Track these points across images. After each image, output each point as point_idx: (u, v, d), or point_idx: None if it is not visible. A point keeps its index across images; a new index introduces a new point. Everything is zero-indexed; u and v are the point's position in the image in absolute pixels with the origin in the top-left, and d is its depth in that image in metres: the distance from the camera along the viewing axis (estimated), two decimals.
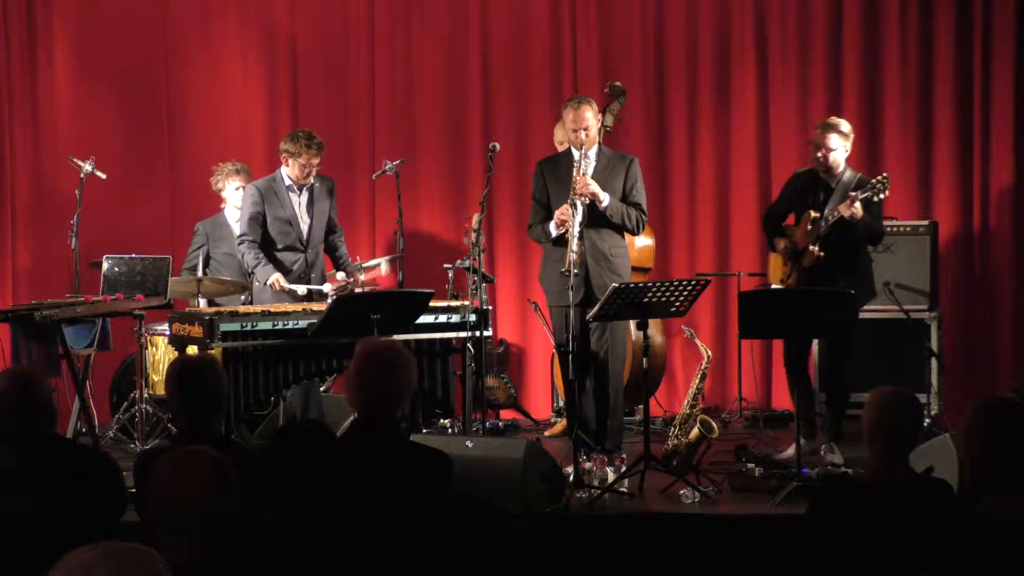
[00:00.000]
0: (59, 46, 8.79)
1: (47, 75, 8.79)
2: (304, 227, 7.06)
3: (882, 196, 6.49)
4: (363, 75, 8.83)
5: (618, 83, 7.73)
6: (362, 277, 7.27)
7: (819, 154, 6.61)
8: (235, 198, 7.77)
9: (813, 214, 6.58)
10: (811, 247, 6.55)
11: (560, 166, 6.69)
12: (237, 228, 7.76)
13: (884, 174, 6.61)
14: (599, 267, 6.53)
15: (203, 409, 4.17)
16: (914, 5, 8.43)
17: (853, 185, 6.57)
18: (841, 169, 6.65)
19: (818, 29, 8.52)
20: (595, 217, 6.53)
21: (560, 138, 7.54)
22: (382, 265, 7.74)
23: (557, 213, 6.51)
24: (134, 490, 4.22)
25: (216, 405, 4.22)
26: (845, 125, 6.69)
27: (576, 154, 6.55)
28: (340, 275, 7.24)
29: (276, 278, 6.87)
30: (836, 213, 6.45)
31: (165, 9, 8.82)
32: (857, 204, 6.41)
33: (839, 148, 6.61)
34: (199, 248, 7.85)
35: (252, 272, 7.01)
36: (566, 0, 8.69)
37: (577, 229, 6.45)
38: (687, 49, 8.64)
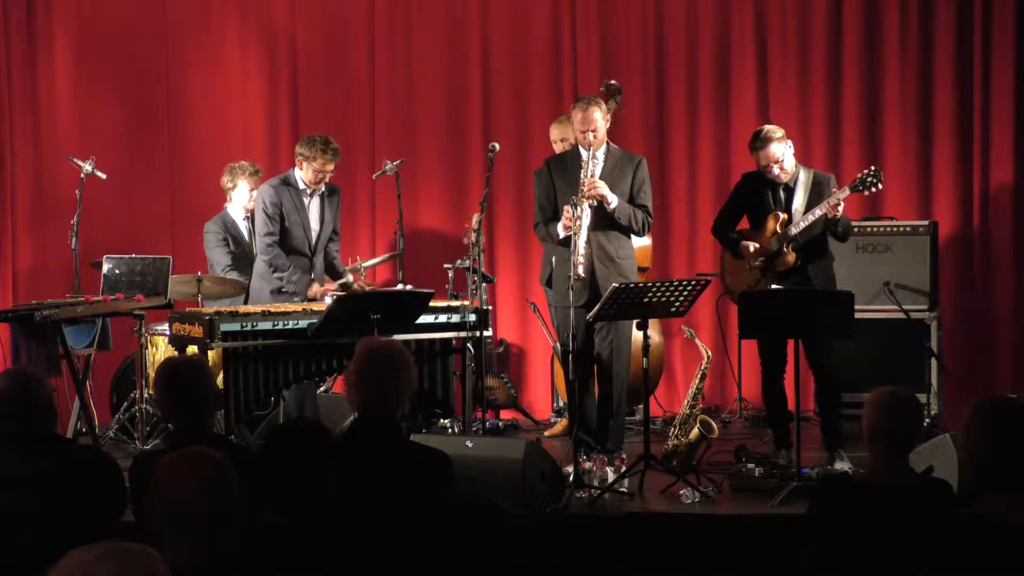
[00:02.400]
0: (59, 46, 8.79)
1: (47, 75, 8.79)
2: (313, 233, 7.04)
3: (874, 190, 6.46)
4: (363, 75, 8.83)
5: (613, 81, 7.72)
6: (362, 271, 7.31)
7: (775, 170, 6.50)
8: (243, 199, 7.77)
9: (782, 216, 6.52)
10: (785, 250, 6.48)
11: (568, 165, 6.66)
12: (243, 226, 7.78)
13: (872, 167, 6.56)
14: (606, 270, 6.50)
15: (194, 410, 4.17)
16: (914, 5, 8.42)
17: (812, 181, 6.52)
18: (795, 169, 6.59)
19: (818, 29, 8.52)
20: (602, 219, 6.51)
21: (555, 136, 7.54)
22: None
23: (563, 214, 6.48)
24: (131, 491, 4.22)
25: (207, 405, 4.23)
26: (777, 130, 6.58)
27: (584, 154, 6.54)
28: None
29: (319, 289, 6.86)
30: (816, 212, 6.40)
31: (165, 9, 8.82)
32: (841, 207, 6.37)
33: (784, 154, 6.51)
34: (218, 247, 7.80)
35: (285, 280, 6.91)
36: (566, 0, 8.69)
37: (584, 233, 6.42)
38: (687, 49, 8.64)
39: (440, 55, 8.78)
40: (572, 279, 6.27)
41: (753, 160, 6.66)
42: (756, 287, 6.55)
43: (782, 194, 6.58)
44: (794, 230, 6.47)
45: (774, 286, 6.49)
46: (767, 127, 6.67)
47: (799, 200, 6.52)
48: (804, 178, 6.57)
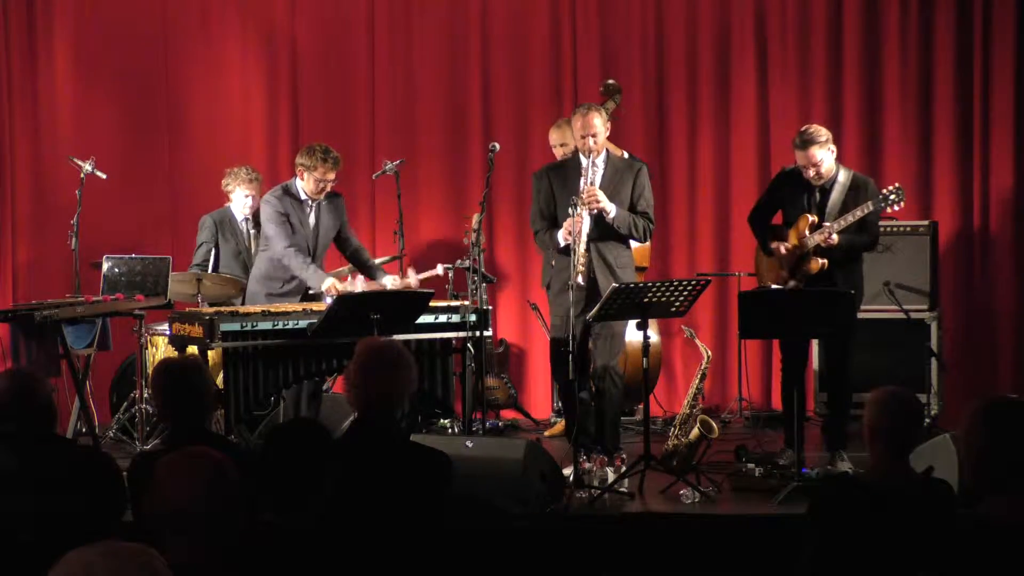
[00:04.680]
0: (59, 46, 8.79)
1: (47, 75, 8.79)
2: (311, 243, 7.02)
3: (896, 208, 6.42)
4: (363, 75, 8.83)
5: (612, 81, 7.73)
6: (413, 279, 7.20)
7: (811, 173, 6.41)
8: (242, 204, 7.77)
9: (812, 219, 6.46)
10: (814, 257, 6.39)
11: (568, 173, 6.62)
12: (243, 227, 7.80)
13: (897, 185, 6.46)
14: (606, 279, 6.47)
15: (191, 410, 4.17)
16: (914, 5, 8.43)
17: (850, 184, 6.46)
18: (835, 171, 6.50)
19: (818, 29, 8.52)
20: (601, 228, 6.48)
21: (555, 140, 7.53)
22: (438, 268, 7.61)
23: (564, 225, 6.45)
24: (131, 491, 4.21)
25: (204, 405, 4.22)
26: (821, 133, 6.45)
27: (584, 161, 6.52)
28: (387, 281, 6.99)
29: (333, 282, 6.80)
30: (844, 220, 6.35)
31: (165, 9, 8.82)
32: (835, 236, 6.32)
33: (826, 157, 6.41)
34: (205, 243, 7.82)
35: (303, 275, 6.84)
36: (566, 0, 8.69)
37: (584, 241, 6.41)
38: (687, 49, 8.64)
39: (440, 55, 8.78)
40: (572, 288, 6.24)
41: (787, 157, 6.62)
42: (784, 287, 6.49)
43: (818, 195, 6.50)
44: (817, 238, 6.36)
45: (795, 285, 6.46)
46: (813, 128, 6.53)
47: (833, 202, 6.44)
48: (843, 179, 6.47)
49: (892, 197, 6.37)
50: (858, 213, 6.34)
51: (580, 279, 6.31)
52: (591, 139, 6.46)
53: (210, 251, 7.81)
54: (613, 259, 6.55)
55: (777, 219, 6.79)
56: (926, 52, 8.43)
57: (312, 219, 7.01)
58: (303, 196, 6.94)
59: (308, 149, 6.90)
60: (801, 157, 6.44)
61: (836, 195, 6.46)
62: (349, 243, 7.23)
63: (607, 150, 6.66)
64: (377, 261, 8.09)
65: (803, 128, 6.58)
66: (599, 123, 6.48)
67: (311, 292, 7.05)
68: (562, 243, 6.49)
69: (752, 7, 8.56)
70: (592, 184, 6.48)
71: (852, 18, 8.49)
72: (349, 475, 3.78)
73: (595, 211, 6.42)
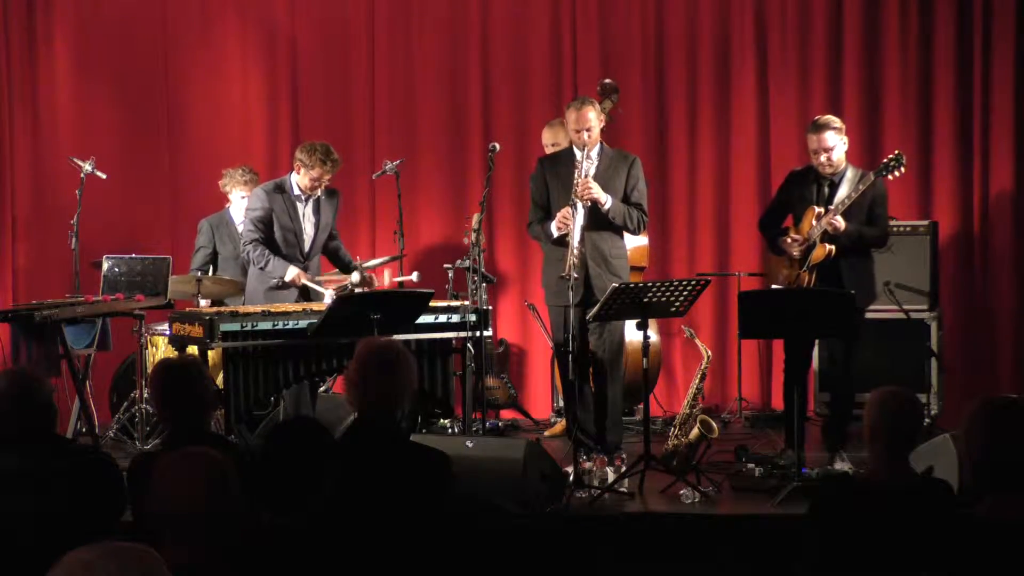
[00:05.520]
0: (59, 46, 8.79)
1: (47, 75, 8.79)
2: (307, 239, 7.00)
3: (897, 174, 6.41)
4: (363, 75, 8.83)
5: (609, 80, 7.73)
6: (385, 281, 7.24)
7: (822, 158, 6.44)
8: (240, 205, 7.78)
9: (818, 210, 6.48)
10: (821, 243, 6.38)
11: (561, 165, 6.68)
12: (241, 229, 7.78)
13: (896, 151, 6.48)
14: (599, 268, 6.52)
15: (190, 411, 4.17)
16: (914, 5, 8.43)
17: (857, 181, 6.47)
18: (844, 166, 6.53)
19: (818, 29, 8.52)
20: (596, 219, 6.53)
21: (547, 140, 7.56)
22: (414, 276, 7.71)
23: (559, 215, 6.50)
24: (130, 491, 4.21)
25: (203, 405, 4.22)
26: (836, 121, 6.53)
27: (578, 154, 6.55)
28: (355, 277, 7.11)
29: (299, 273, 6.80)
30: (845, 202, 6.35)
31: (165, 9, 8.82)
32: (838, 218, 6.32)
33: (838, 144, 6.45)
34: (203, 248, 7.84)
35: (263, 269, 6.87)
36: (566, 0, 8.69)
37: (578, 232, 6.44)
38: (687, 49, 8.64)
39: (440, 55, 8.78)
40: (570, 278, 6.27)
41: (798, 151, 6.64)
42: (796, 282, 6.49)
43: (826, 189, 6.51)
44: (823, 222, 6.34)
45: (811, 280, 6.44)
46: (828, 116, 6.64)
47: (841, 195, 6.43)
48: (851, 175, 6.49)
49: (892, 164, 6.38)
50: (860, 187, 6.36)
51: (574, 271, 6.33)
52: (585, 133, 6.50)
53: (208, 255, 7.82)
54: (608, 249, 6.58)
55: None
56: (926, 52, 8.42)
57: (309, 214, 7.00)
58: (296, 191, 6.94)
59: (310, 147, 6.87)
60: (814, 141, 6.47)
61: (844, 189, 6.46)
62: (333, 240, 7.21)
63: (601, 143, 6.68)
64: (376, 261, 8.11)
65: (818, 116, 6.65)
66: (593, 116, 6.53)
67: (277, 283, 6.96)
68: (555, 233, 6.53)
69: (752, 7, 8.56)
70: (586, 176, 6.50)
71: (852, 18, 8.49)
72: (349, 475, 3.79)
73: (588, 203, 6.45)
